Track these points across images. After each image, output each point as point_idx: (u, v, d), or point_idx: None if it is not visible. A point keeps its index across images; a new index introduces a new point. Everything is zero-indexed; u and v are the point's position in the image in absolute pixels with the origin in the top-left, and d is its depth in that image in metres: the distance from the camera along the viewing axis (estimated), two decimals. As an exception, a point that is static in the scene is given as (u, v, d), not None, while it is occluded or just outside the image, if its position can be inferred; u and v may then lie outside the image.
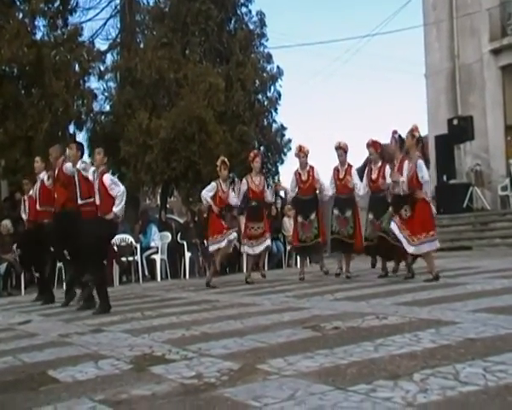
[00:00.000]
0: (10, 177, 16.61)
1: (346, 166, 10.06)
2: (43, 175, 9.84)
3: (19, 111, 15.92)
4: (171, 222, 16.62)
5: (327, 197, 10.37)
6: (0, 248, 13.14)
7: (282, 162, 21.42)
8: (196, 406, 3.25)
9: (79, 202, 8.36)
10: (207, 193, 10.74)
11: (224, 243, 10.58)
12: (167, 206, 21.53)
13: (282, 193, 11.47)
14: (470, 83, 21.55)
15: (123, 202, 7.97)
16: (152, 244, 14.23)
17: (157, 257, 14.00)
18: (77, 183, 8.43)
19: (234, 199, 10.89)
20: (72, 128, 17.68)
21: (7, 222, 13.52)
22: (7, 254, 13.04)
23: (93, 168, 8.24)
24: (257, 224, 10.69)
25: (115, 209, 7.88)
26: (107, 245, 8.87)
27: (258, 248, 10.78)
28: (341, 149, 10.02)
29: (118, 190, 7.96)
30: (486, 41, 20.91)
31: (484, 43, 20.97)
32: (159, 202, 21.76)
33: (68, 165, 8.76)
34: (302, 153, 10.32)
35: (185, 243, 14.57)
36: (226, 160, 11.08)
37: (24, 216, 10.78)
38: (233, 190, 11.31)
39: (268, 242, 10.88)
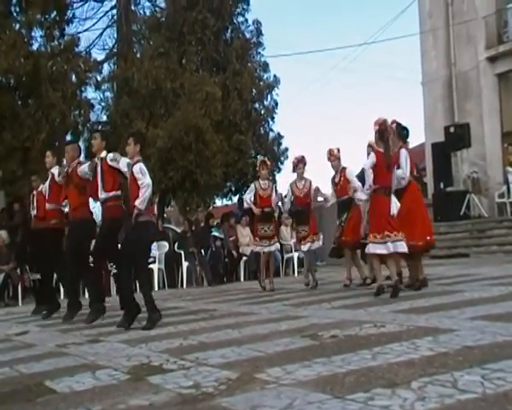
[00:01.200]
0: (7, 187, 16.61)
1: (341, 168, 9.92)
2: (55, 170, 8.97)
3: (16, 122, 15.94)
4: (168, 231, 16.58)
5: (359, 201, 9.42)
6: (-3, 259, 13.11)
7: (280, 171, 21.46)
8: (194, 415, 3.25)
9: (101, 196, 7.64)
10: (247, 196, 10.95)
11: (266, 250, 10.71)
12: (164, 215, 21.54)
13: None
14: (467, 90, 21.62)
15: (146, 195, 6.96)
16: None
17: (154, 267, 13.96)
18: (99, 174, 7.67)
19: (275, 200, 10.77)
20: (69, 138, 17.69)
21: (2, 233, 13.49)
22: (4, 266, 13.00)
23: (127, 160, 7.34)
24: (302, 227, 10.45)
25: (136, 202, 6.92)
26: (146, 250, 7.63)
27: (312, 246, 10.41)
28: (370, 147, 9.81)
29: (142, 181, 7.00)
30: (483, 48, 20.99)
31: (480, 50, 21.05)
32: (156, 211, 21.75)
33: (84, 167, 8.06)
34: (333, 156, 10.03)
35: (182, 253, 14.56)
36: (266, 159, 11.20)
37: (33, 213, 9.89)
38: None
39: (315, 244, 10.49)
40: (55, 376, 4.52)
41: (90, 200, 8.49)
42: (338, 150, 10.07)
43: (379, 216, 7.96)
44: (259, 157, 11.24)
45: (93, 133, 8.46)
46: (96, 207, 8.81)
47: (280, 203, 11.08)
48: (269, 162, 11.20)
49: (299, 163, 10.51)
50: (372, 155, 8.09)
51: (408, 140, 8.89)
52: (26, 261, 12.45)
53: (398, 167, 8.23)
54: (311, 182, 10.43)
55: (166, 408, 3.42)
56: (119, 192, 7.63)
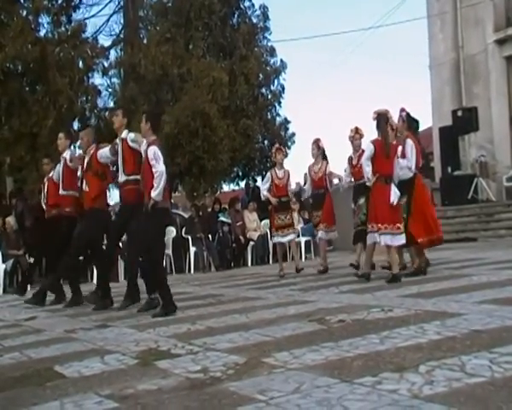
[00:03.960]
0: (15, 173, 16.66)
1: (360, 151, 9.58)
2: (67, 154, 8.59)
3: (23, 108, 15.96)
4: (175, 217, 16.59)
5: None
6: (6, 244, 13.19)
7: (286, 156, 21.40)
8: (202, 400, 3.26)
9: (120, 178, 7.28)
10: (263, 186, 10.76)
11: (282, 240, 10.65)
12: (172, 201, 21.55)
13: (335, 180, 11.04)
14: (474, 74, 21.47)
15: (161, 185, 6.60)
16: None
17: (162, 252, 13.96)
18: (120, 155, 7.28)
19: (291, 187, 10.71)
20: (76, 125, 17.72)
21: (10, 219, 13.57)
22: (13, 251, 13.09)
23: (145, 141, 6.95)
24: (316, 212, 10.41)
25: (152, 194, 6.55)
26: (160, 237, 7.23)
27: (326, 235, 10.26)
28: (358, 135, 9.77)
29: (155, 169, 6.59)
30: (491, 31, 20.80)
31: (488, 33, 20.86)
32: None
33: (104, 151, 7.63)
34: (358, 134, 9.81)
35: (190, 238, 14.59)
36: (282, 147, 11.14)
37: (44, 201, 9.43)
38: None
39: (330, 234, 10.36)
40: (64, 361, 4.56)
41: None
42: (363, 131, 9.91)
43: (380, 205, 7.93)
44: (275, 145, 11.18)
45: (114, 110, 7.93)
46: None
47: (301, 190, 10.96)
48: (284, 149, 11.13)
49: (313, 144, 10.39)
50: (369, 145, 8.11)
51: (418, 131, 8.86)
52: (30, 247, 12.30)
53: (404, 157, 8.22)
54: (326, 165, 10.29)
55: (174, 393, 3.43)
56: (138, 176, 7.14)
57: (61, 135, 8.95)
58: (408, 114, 8.51)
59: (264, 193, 10.65)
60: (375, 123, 8.15)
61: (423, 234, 8.29)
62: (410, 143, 8.28)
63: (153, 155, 6.66)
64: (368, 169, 8.03)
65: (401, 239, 7.93)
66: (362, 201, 9.48)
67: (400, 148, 8.31)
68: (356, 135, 9.87)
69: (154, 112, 8.03)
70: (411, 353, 3.78)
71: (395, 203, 7.85)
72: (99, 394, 3.56)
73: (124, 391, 3.56)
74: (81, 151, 8.40)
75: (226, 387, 3.43)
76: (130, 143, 7.21)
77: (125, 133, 7.36)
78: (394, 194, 7.85)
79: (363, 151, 9.45)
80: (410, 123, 8.50)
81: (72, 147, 8.95)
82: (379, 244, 8.07)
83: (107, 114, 19.11)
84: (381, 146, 8.00)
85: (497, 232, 16.28)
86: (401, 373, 3.33)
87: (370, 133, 8.62)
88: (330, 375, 3.43)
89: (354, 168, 9.82)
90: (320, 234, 10.28)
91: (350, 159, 9.98)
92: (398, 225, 7.89)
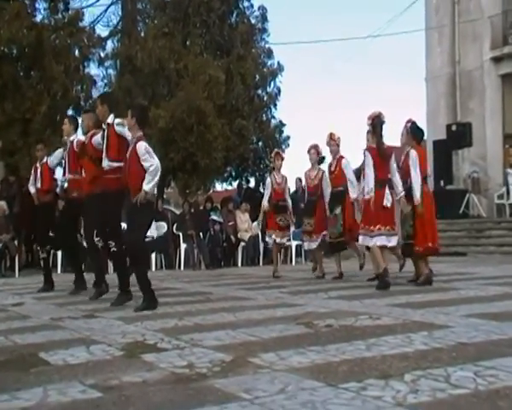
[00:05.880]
0: (7, 158, 16.56)
1: (338, 157, 9.70)
2: (74, 137, 8.52)
3: (17, 92, 15.86)
4: (167, 213, 16.57)
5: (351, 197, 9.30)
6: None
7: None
8: (187, 395, 3.25)
9: (103, 163, 7.14)
10: (266, 193, 10.88)
11: (281, 241, 10.78)
12: (164, 196, 21.51)
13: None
14: (470, 89, 21.58)
15: (156, 179, 6.59)
16: (148, 234, 14.10)
17: (152, 247, 13.92)
18: (105, 140, 7.14)
19: (288, 193, 10.91)
20: (70, 113, 17.64)
21: (2, 203, 13.49)
22: (2, 235, 13.00)
23: (130, 135, 6.85)
24: (307, 219, 10.20)
25: (145, 187, 6.45)
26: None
27: (311, 245, 10.24)
28: (333, 141, 9.74)
29: (150, 163, 6.51)
30: (488, 48, 20.95)
31: (485, 50, 21.01)
32: (155, 191, 21.79)
33: (97, 137, 7.52)
34: (333, 140, 9.73)
35: (181, 235, 14.56)
36: (281, 151, 11.36)
37: (32, 189, 9.32)
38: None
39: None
40: (50, 348, 4.53)
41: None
42: (338, 136, 9.82)
43: (374, 209, 7.91)
44: (275, 150, 11.34)
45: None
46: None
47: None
48: (283, 154, 11.25)
49: (311, 149, 10.24)
50: (367, 154, 8.02)
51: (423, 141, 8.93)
52: (35, 239, 11.98)
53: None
54: (323, 172, 10.13)
55: (159, 386, 3.42)
56: (121, 164, 6.97)
57: (66, 120, 8.94)
58: (412, 125, 8.48)
59: (265, 205, 10.70)
60: (370, 128, 8.15)
61: (423, 243, 8.29)
62: (413, 154, 8.22)
63: (144, 149, 6.55)
64: (371, 176, 7.94)
65: (394, 240, 7.99)
66: (338, 210, 9.57)
67: (403, 157, 8.36)
68: (331, 141, 9.79)
69: (139, 106, 7.95)
70: (397, 361, 3.79)
71: (388, 206, 7.89)
72: (83, 383, 3.54)
73: (108, 382, 3.55)
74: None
75: (211, 383, 3.42)
76: (117, 128, 7.08)
77: (110, 118, 7.23)
78: (387, 199, 7.87)
79: (340, 157, 9.68)
80: (415, 134, 8.49)
81: (77, 132, 8.81)
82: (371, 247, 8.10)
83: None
84: (376, 153, 8.00)
85: (487, 248, 16.37)
86: (386, 381, 3.34)
87: (363, 139, 8.63)
88: (316, 378, 3.44)
89: (331, 175, 9.84)
90: (315, 243, 10.19)
91: (329, 165, 9.97)
92: (393, 226, 7.95)
